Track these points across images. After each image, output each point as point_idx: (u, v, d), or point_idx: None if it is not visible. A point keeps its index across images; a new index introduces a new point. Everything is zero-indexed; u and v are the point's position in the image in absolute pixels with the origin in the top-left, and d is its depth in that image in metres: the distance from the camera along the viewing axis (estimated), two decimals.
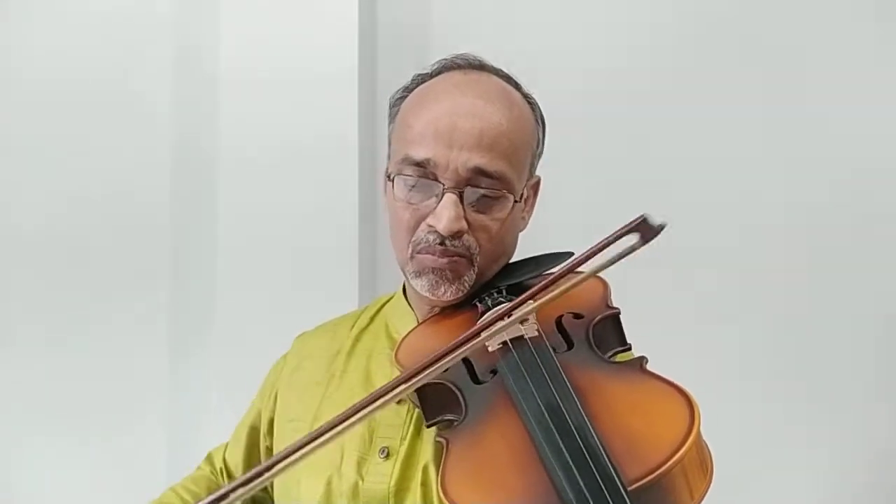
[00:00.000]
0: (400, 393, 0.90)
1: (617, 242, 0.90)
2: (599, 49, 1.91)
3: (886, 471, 1.80)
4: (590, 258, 0.91)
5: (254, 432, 1.27)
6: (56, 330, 1.93)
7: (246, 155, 1.89)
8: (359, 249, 1.84)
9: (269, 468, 0.87)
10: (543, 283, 0.96)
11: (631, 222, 0.88)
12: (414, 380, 0.91)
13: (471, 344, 0.92)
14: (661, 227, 0.87)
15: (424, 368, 0.91)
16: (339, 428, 0.88)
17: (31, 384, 1.91)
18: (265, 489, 1.25)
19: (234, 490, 0.85)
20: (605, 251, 0.90)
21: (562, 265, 0.97)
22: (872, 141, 1.83)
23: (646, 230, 0.88)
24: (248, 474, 0.86)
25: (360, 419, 0.89)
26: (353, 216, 1.86)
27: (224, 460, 1.30)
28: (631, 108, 1.88)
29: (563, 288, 0.94)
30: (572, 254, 1.15)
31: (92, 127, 1.96)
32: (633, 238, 0.88)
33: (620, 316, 1.06)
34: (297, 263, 1.85)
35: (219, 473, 1.29)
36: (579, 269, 0.93)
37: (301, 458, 0.87)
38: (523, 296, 0.97)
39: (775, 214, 1.85)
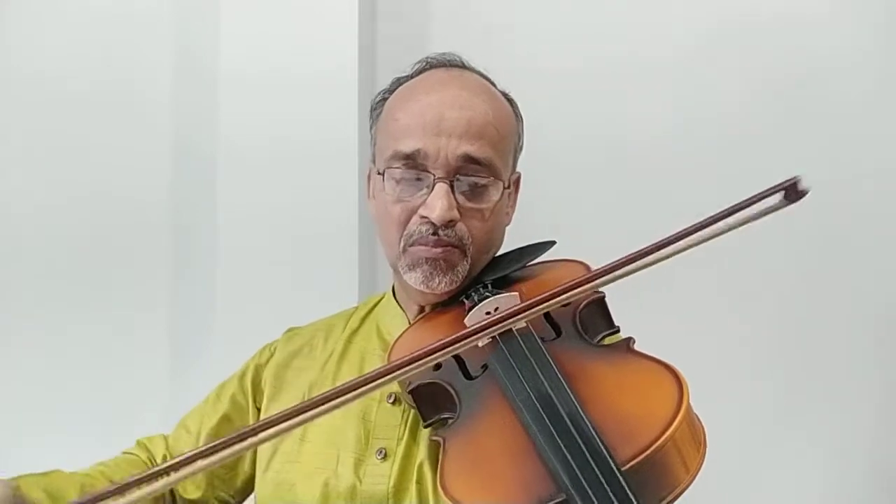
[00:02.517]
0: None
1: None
2: (600, 48, 1.91)
3: (887, 470, 1.79)
4: (733, 213, 0.90)
5: (226, 423, 1.22)
6: (56, 331, 1.93)
7: (245, 154, 1.89)
8: (358, 249, 1.84)
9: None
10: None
11: (782, 182, 0.87)
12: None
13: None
14: (806, 193, 0.87)
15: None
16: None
17: (31, 385, 1.91)
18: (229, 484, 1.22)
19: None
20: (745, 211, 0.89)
21: (701, 221, 0.91)
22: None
23: (793, 192, 0.87)
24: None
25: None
26: (353, 216, 1.85)
27: (169, 449, 1.23)
28: (631, 107, 1.88)
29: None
30: (554, 243, 1.18)
31: (92, 126, 1.96)
32: (777, 197, 0.88)
33: (606, 299, 1.06)
34: (297, 263, 1.84)
35: (162, 462, 1.20)
36: (715, 224, 0.91)
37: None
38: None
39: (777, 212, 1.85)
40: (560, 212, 1.71)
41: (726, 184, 1.83)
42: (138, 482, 0.81)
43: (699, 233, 0.90)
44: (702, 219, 0.90)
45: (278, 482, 1.12)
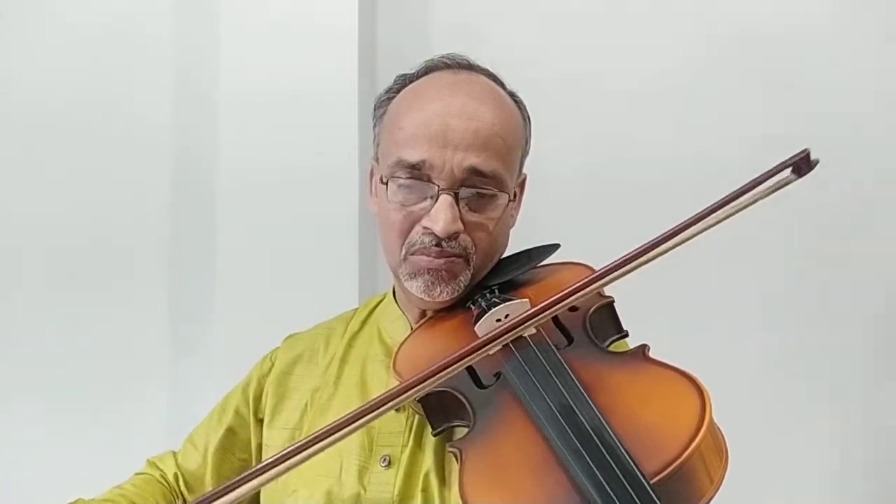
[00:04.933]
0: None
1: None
2: (600, 48, 1.94)
3: (889, 469, 1.78)
4: (746, 192, 0.89)
5: (231, 435, 1.22)
6: (57, 332, 1.94)
7: (245, 176, 1.90)
8: (359, 260, 1.85)
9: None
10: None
11: (794, 156, 0.88)
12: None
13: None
14: (816, 163, 0.88)
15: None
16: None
17: (32, 384, 1.92)
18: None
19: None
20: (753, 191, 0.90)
21: (708, 207, 0.92)
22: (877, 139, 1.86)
23: (803, 165, 0.87)
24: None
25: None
26: (352, 237, 1.86)
27: (179, 467, 1.22)
28: (631, 106, 1.89)
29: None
30: (559, 245, 1.16)
31: (92, 148, 1.98)
32: (787, 172, 0.89)
33: (615, 304, 1.05)
34: (297, 283, 1.85)
35: (173, 480, 1.22)
36: (731, 203, 0.90)
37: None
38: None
39: (780, 210, 1.84)
40: (561, 214, 1.71)
41: (727, 186, 1.84)
42: None
43: (713, 215, 0.89)
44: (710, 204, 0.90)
45: (280, 487, 1.10)
